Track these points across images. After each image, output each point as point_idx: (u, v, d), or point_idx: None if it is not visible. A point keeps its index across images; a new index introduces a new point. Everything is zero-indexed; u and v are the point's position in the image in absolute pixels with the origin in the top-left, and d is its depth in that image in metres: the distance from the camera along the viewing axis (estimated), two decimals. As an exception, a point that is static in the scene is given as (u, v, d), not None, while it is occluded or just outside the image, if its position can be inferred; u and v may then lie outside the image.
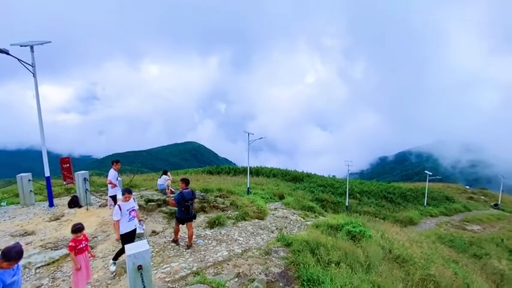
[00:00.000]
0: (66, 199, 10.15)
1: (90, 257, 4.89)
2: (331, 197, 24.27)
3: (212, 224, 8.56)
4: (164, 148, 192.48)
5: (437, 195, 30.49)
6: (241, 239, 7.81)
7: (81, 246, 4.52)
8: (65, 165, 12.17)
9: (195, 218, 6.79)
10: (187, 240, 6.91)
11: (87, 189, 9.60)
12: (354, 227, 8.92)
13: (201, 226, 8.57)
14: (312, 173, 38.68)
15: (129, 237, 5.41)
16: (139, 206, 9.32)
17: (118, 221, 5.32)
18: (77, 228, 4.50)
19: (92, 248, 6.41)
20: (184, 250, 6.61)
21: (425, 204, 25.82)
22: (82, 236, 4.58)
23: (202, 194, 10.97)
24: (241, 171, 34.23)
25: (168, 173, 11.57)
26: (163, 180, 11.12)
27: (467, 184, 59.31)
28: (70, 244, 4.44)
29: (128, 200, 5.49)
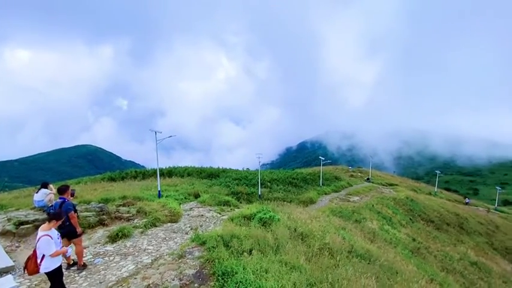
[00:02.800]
0: None
1: None
2: (246, 188, 25.41)
3: (114, 238, 7.49)
4: (46, 155, 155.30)
5: (329, 176, 36.58)
6: (151, 247, 7.15)
7: None
8: None
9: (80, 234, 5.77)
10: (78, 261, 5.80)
11: None
12: (264, 214, 9.60)
13: (99, 242, 7.35)
14: (228, 168, 39.37)
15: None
16: (7, 231, 7.22)
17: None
18: None
19: None
20: (76, 274, 5.51)
21: (320, 184, 30.54)
22: None
23: (100, 205, 9.43)
24: (151, 174, 31.39)
25: (50, 185, 9.35)
26: (43, 195, 8.90)
27: (349, 165, 73.78)
28: None
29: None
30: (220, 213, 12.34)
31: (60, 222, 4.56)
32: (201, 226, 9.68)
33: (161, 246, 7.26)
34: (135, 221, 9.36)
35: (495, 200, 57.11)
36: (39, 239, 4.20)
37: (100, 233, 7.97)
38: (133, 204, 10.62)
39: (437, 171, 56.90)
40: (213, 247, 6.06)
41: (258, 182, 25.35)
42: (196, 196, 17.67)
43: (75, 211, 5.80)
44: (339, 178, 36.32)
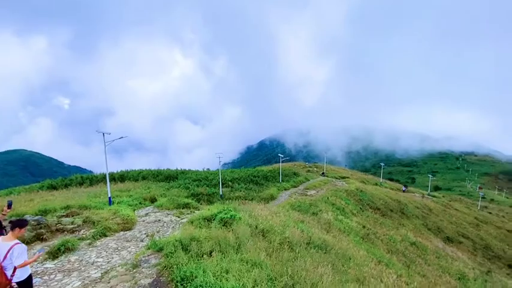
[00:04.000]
0: None
1: None
2: (206, 189, 24.89)
3: (55, 253, 6.65)
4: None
5: (288, 172, 37.95)
6: (100, 260, 6.53)
7: None
8: None
9: None
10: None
11: None
12: (226, 214, 9.51)
13: (37, 260, 6.45)
14: (187, 169, 38.10)
15: None
16: None
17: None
18: None
19: None
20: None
21: (280, 181, 31.50)
22: None
23: (37, 217, 8.29)
24: (100, 180, 28.75)
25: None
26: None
27: (305, 160, 77.57)
28: None
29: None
30: (179, 217, 11.88)
31: (24, 230, 4.09)
32: (158, 232, 9.18)
33: (113, 258, 6.68)
34: (81, 232, 8.46)
35: (428, 187, 65.71)
36: (9, 249, 3.86)
37: (37, 249, 7.00)
38: (78, 214, 9.58)
39: (382, 164, 63.15)
40: (171, 253, 5.78)
41: (219, 182, 25.05)
42: (153, 200, 16.74)
43: (2, 227, 5.00)
44: (297, 174, 37.88)
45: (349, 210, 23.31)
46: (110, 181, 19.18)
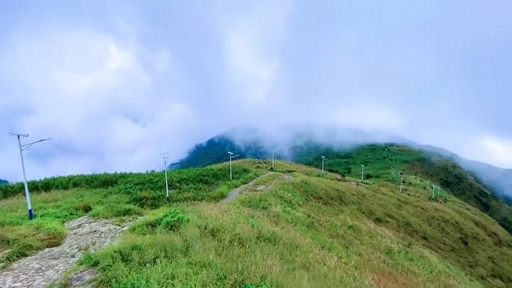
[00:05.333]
0: None
1: None
2: (151, 193, 23.36)
3: (-49, 286, 5.37)
4: None
5: (238, 169, 38.25)
6: (18, 284, 5.53)
7: None
8: None
9: None
10: None
11: None
12: (173, 217, 9.05)
13: None
14: (128, 172, 35.07)
15: None
16: None
17: None
18: None
19: None
20: None
21: (231, 178, 31.54)
22: None
23: None
24: (17, 190, 24.40)
25: None
26: None
27: (255, 157, 79.44)
28: None
29: None
30: (119, 225, 10.86)
31: None
32: (93, 244, 8.22)
33: (35, 280, 5.72)
34: (-10, 255, 7.01)
35: (361, 175, 74.16)
36: None
37: None
38: (-15, 234, 7.91)
39: (323, 157, 68.75)
40: (109, 265, 5.23)
41: (165, 184, 23.73)
42: (87, 210, 14.92)
43: None
44: (247, 170, 38.45)
45: (296, 201, 24.75)
46: (30, 191, 16.38)
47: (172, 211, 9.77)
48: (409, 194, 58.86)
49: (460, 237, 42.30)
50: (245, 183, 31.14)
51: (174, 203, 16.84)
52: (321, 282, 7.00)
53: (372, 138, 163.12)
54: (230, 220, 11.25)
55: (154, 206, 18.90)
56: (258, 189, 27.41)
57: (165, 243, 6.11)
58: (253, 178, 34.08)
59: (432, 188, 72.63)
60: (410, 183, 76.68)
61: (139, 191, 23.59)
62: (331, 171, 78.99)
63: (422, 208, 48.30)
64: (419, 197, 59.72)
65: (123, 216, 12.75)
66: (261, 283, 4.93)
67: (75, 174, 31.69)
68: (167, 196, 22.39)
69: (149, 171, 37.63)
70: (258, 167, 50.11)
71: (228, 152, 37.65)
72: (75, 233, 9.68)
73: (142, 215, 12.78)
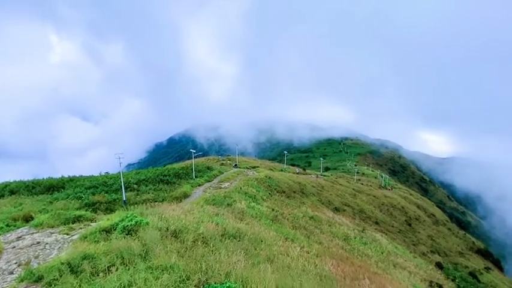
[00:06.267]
0: None
1: None
2: (105, 196, 21.63)
3: None
4: None
5: (202, 167, 37.42)
6: None
7: None
8: None
9: None
10: None
11: None
12: (130, 221, 8.51)
13: None
14: (78, 176, 31.99)
15: None
16: None
17: None
18: None
19: None
20: None
21: (194, 177, 30.72)
22: None
23: None
24: None
25: None
26: None
27: (218, 154, 78.55)
28: None
29: None
30: (68, 234, 9.86)
31: None
32: (36, 257, 7.33)
33: (-40, 307, 4.90)
34: None
35: (320, 168, 78.33)
36: None
37: None
38: None
39: (285, 152, 70.92)
40: (55, 279, 4.71)
41: (121, 187, 22.16)
42: (28, 219, 13.25)
43: None
44: (211, 168, 37.86)
45: (260, 196, 25.17)
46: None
47: (129, 215, 9.17)
48: (362, 184, 63.99)
49: (405, 220, 47.48)
50: (209, 181, 30.63)
51: (132, 206, 15.84)
52: (284, 272, 7.25)
53: (328, 133, 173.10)
54: (194, 220, 10.99)
55: (110, 210, 17.56)
56: (223, 186, 27.21)
57: (122, 249, 5.70)
58: (218, 175, 33.69)
59: (382, 177, 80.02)
60: (363, 173, 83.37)
61: (91, 196, 21.68)
62: (293, 165, 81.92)
63: (374, 196, 52.97)
64: (371, 185, 65.32)
65: (73, 224, 11.63)
66: (226, 280, 4.91)
67: (11, 181, 27.91)
68: (124, 199, 20.98)
69: (103, 174, 34.78)
70: (222, 164, 49.69)
71: (191, 150, 36.65)
72: (14, 247, 8.52)
73: (95, 221, 11.78)
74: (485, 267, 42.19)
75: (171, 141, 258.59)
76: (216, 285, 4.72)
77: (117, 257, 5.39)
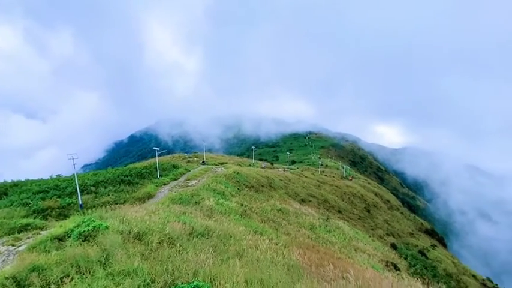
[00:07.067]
0: None
1: None
2: (58, 201, 19.71)
3: None
4: None
5: (167, 166, 35.97)
6: None
7: None
8: None
9: None
10: None
11: None
12: (87, 226, 7.89)
13: None
14: (23, 180, 28.63)
15: None
16: None
17: None
18: None
19: None
20: None
21: (158, 176, 29.43)
22: None
23: None
24: None
25: None
26: None
27: (185, 151, 76.35)
28: None
29: None
30: (14, 245, 8.84)
31: None
32: (-27, 275, 6.43)
33: None
34: None
35: (287, 162, 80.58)
36: None
37: None
38: None
39: (253, 147, 71.41)
40: (-3, 298, 4.19)
41: (76, 189, 20.37)
42: (-39, 232, 11.55)
43: None
44: (177, 166, 36.62)
45: (229, 192, 25.08)
46: None
47: (86, 219, 8.50)
48: (326, 175, 67.36)
49: (364, 207, 51.25)
50: (175, 179, 29.64)
51: (90, 210, 14.71)
52: (253, 266, 7.35)
53: (293, 128, 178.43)
54: (159, 220, 10.59)
55: (63, 216, 16.11)
56: (190, 184, 26.54)
57: (78, 257, 5.26)
58: (184, 173, 32.73)
59: (343, 168, 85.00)
60: (326, 165, 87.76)
61: (41, 201, 19.58)
62: (261, 160, 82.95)
63: (337, 186, 56.16)
64: (334, 176, 69.08)
65: (19, 233, 10.46)
66: (193, 280, 4.83)
67: None
68: (80, 203, 19.35)
69: (54, 176, 31.60)
70: (189, 161, 48.39)
71: (154, 148, 34.98)
72: None
73: (46, 229, 10.72)
74: (431, 245, 47.68)
75: (132, 139, 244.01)
76: (183, 285, 4.61)
77: (72, 266, 4.96)
